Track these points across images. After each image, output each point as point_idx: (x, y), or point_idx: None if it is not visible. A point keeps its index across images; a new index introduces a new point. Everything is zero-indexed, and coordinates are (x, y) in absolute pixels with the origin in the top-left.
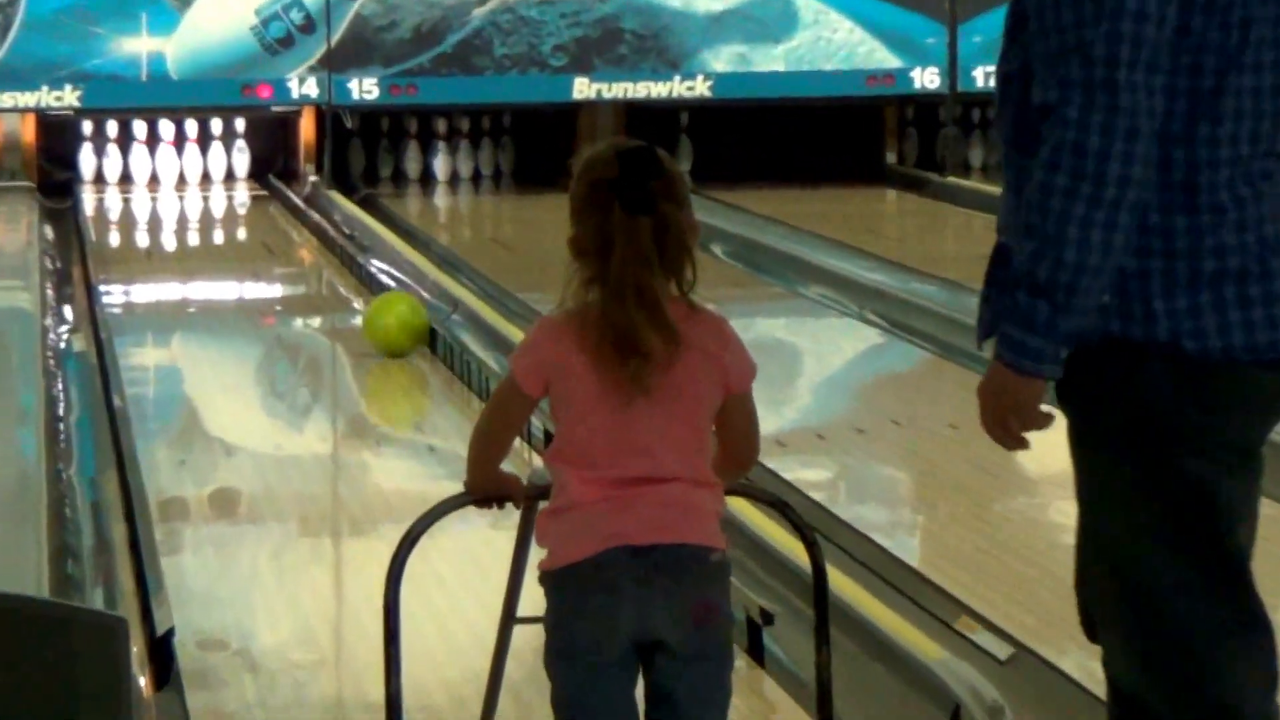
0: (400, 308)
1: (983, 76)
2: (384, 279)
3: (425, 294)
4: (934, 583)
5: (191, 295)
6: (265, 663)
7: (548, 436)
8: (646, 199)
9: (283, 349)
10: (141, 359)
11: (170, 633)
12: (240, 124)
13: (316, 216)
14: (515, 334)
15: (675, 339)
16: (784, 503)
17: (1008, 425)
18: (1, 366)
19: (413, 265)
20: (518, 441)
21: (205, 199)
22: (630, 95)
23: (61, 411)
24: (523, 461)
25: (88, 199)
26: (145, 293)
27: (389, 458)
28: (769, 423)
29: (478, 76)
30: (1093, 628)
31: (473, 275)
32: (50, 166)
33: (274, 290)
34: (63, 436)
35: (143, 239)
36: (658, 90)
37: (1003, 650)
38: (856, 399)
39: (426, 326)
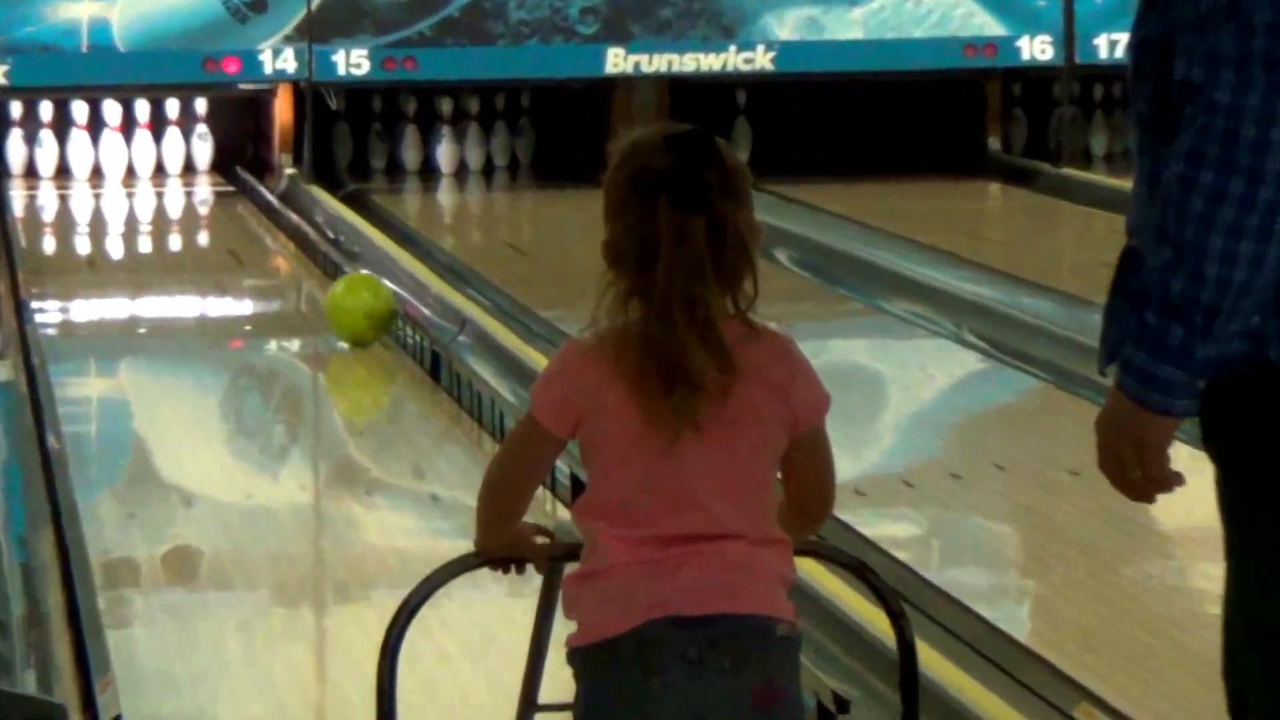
0: (363, 294)
1: (1106, 46)
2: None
3: (426, 310)
4: (1047, 661)
5: (143, 313)
6: None
7: (576, 484)
8: (700, 194)
9: (253, 378)
10: (82, 390)
11: None
12: (201, 105)
13: (294, 217)
14: (536, 360)
15: (732, 366)
16: (864, 564)
17: (1129, 469)
18: None
19: (411, 276)
20: (540, 491)
21: (159, 196)
22: (676, 69)
23: None
24: (546, 515)
25: (17, 197)
26: (87, 310)
27: (382, 510)
28: (846, 466)
29: (489, 47)
30: (1244, 719)
31: (484, 288)
32: None
33: (242, 307)
34: None
35: (83, 245)
36: (709, 63)
37: None
38: (952, 438)
39: (391, 311)
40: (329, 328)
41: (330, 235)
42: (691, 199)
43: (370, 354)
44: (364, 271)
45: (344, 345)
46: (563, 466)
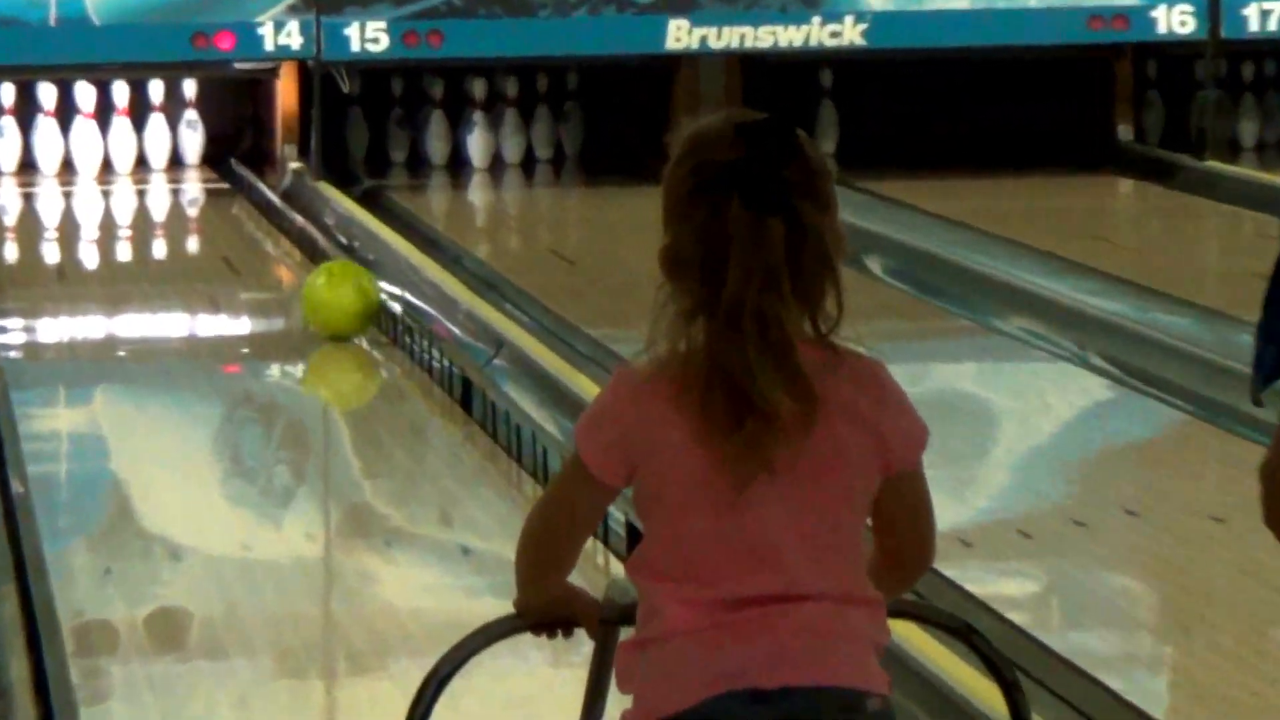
0: (345, 288)
1: (1257, 17)
2: (397, 307)
3: (455, 329)
4: None
5: (121, 332)
6: None
7: (633, 533)
8: (777, 193)
9: (253, 409)
10: (50, 424)
11: None
12: (190, 88)
13: (300, 219)
14: (585, 387)
15: (811, 395)
16: (971, 628)
17: None
18: None
19: (437, 288)
20: (590, 541)
21: (140, 195)
22: (749, 45)
23: None
24: (596, 569)
25: None
26: (56, 329)
27: (404, 564)
28: (949, 512)
29: (530, 19)
30: None
31: (523, 303)
32: None
33: (239, 325)
34: None
35: (52, 252)
36: (788, 37)
37: None
38: (1074, 478)
39: (375, 303)
40: (307, 320)
41: (342, 240)
42: (767, 198)
43: (391, 381)
44: (343, 260)
45: (329, 342)
46: (617, 513)
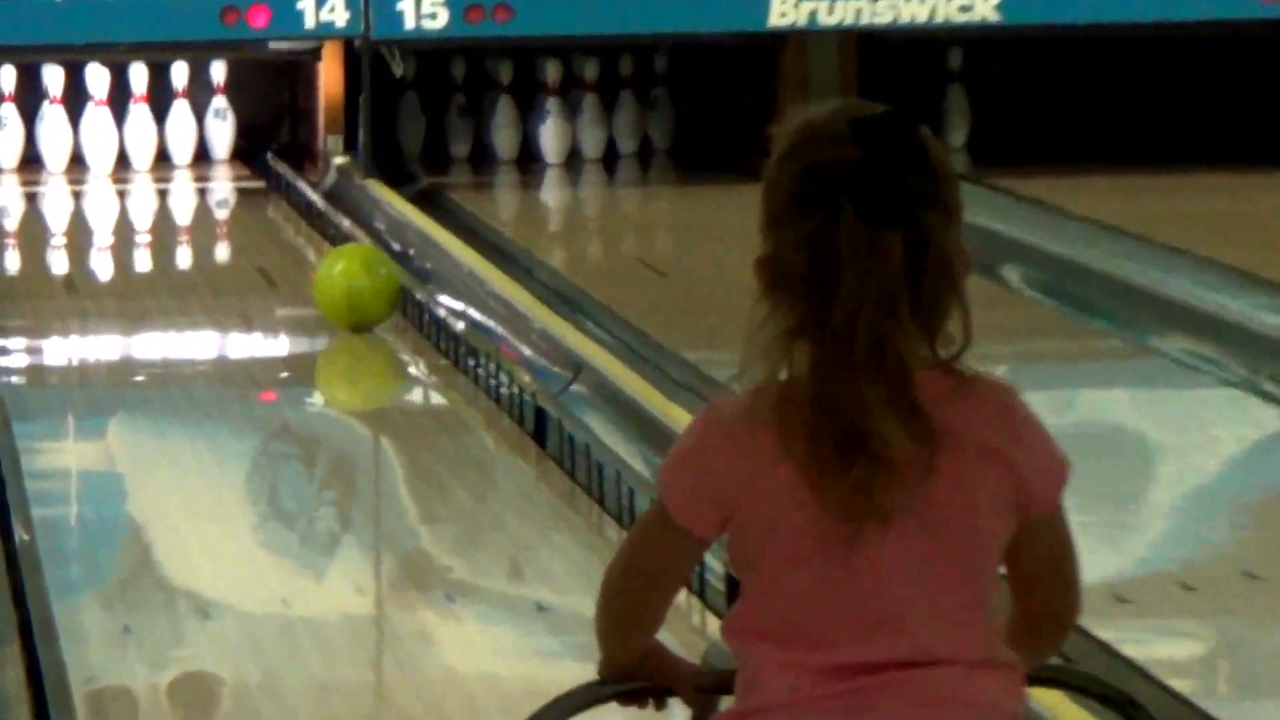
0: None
1: None
2: (459, 325)
3: (527, 350)
4: None
5: (140, 354)
6: None
7: (733, 586)
8: (898, 201)
9: (292, 442)
10: (58, 460)
11: None
12: (219, 72)
13: (345, 223)
14: (677, 418)
15: (932, 431)
16: (1129, 698)
17: None
18: None
19: (505, 302)
20: (683, 596)
21: (161, 195)
22: (866, 21)
23: None
24: (692, 630)
25: None
26: (64, 349)
27: (468, 621)
28: (1099, 562)
29: None
30: None
31: (605, 320)
32: None
33: (276, 345)
34: None
35: (59, 261)
36: (911, 12)
37: None
38: (1244, 523)
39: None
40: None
41: (395, 247)
42: (885, 209)
43: (453, 411)
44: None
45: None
46: (715, 564)
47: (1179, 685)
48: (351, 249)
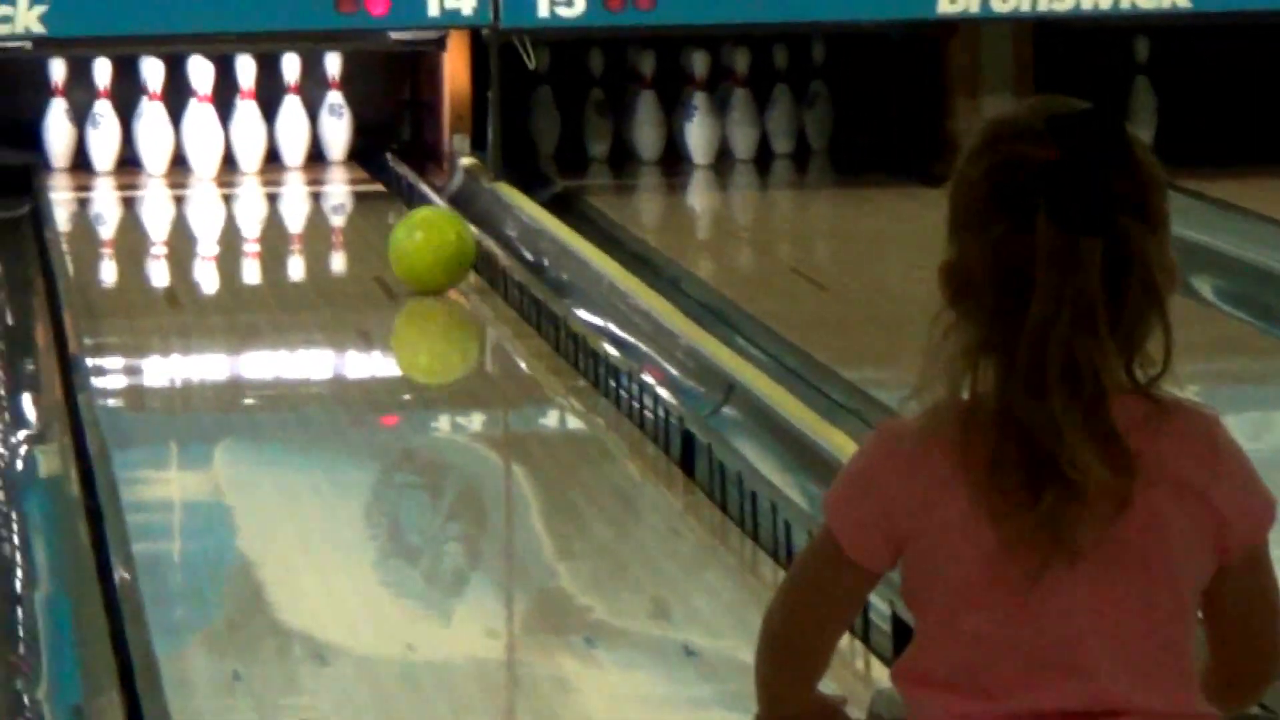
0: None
1: None
2: (599, 343)
3: (673, 369)
4: None
5: (248, 373)
6: None
7: (900, 629)
8: (1098, 208)
9: (415, 471)
10: (160, 491)
11: None
12: (334, 64)
13: (474, 230)
14: (840, 445)
15: (1128, 462)
16: None
17: None
18: None
19: (648, 315)
20: (844, 640)
21: (271, 199)
22: (1043, 8)
23: (19, 588)
24: (855, 676)
25: (61, 201)
26: (165, 371)
27: (610, 666)
28: None
29: None
30: None
31: (759, 336)
32: None
33: (399, 363)
34: (22, 633)
35: (159, 273)
36: (1091, 0)
37: None
38: None
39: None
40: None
41: (527, 256)
42: (1084, 214)
43: (592, 436)
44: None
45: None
46: (880, 604)
47: None
48: (424, 215)
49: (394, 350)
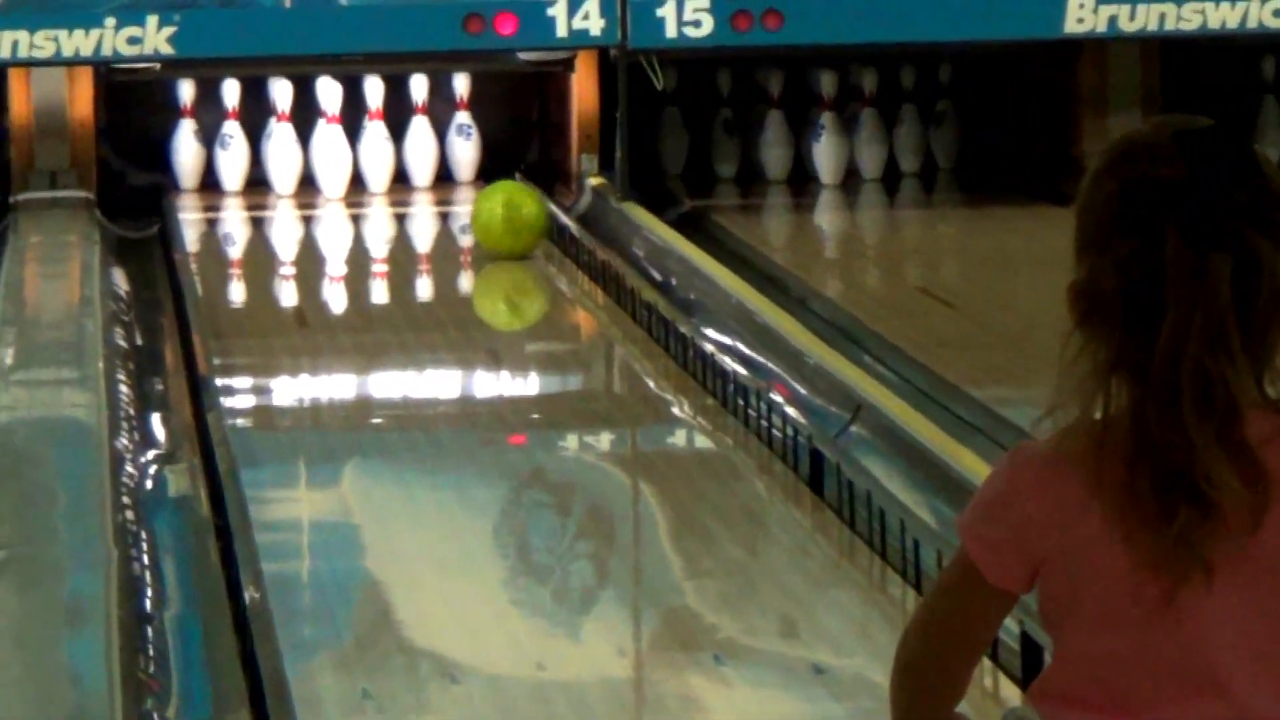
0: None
1: None
2: (727, 362)
3: (801, 388)
4: None
5: (377, 393)
6: None
7: (1028, 646)
8: (1228, 222)
9: (544, 490)
10: (290, 511)
11: None
12: (462, 85)
13: (601, 250)
14: (969, 464)
15: (1263, 478)
16: None
17: None
18: (39, 528)
19: (777, 336)
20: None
21: (399, 220)
22: (1171, 26)
23: (149, 607)
24: (984, 693)
25: (190, 222)
26: (295, 391)
27: (739, 685)
28: None
29: None
30: None
31: (887, 355)
32: (121, 164)
33: (526, 384)
34: (150, 654)
35: (288, 294)
36: (1220, 17)
37: None
38: None
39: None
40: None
41: (655, 275)
42: (1212, 230)
43: (721, 455)
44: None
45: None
46: (1009, 623)
47: None
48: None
49: (524, 371)
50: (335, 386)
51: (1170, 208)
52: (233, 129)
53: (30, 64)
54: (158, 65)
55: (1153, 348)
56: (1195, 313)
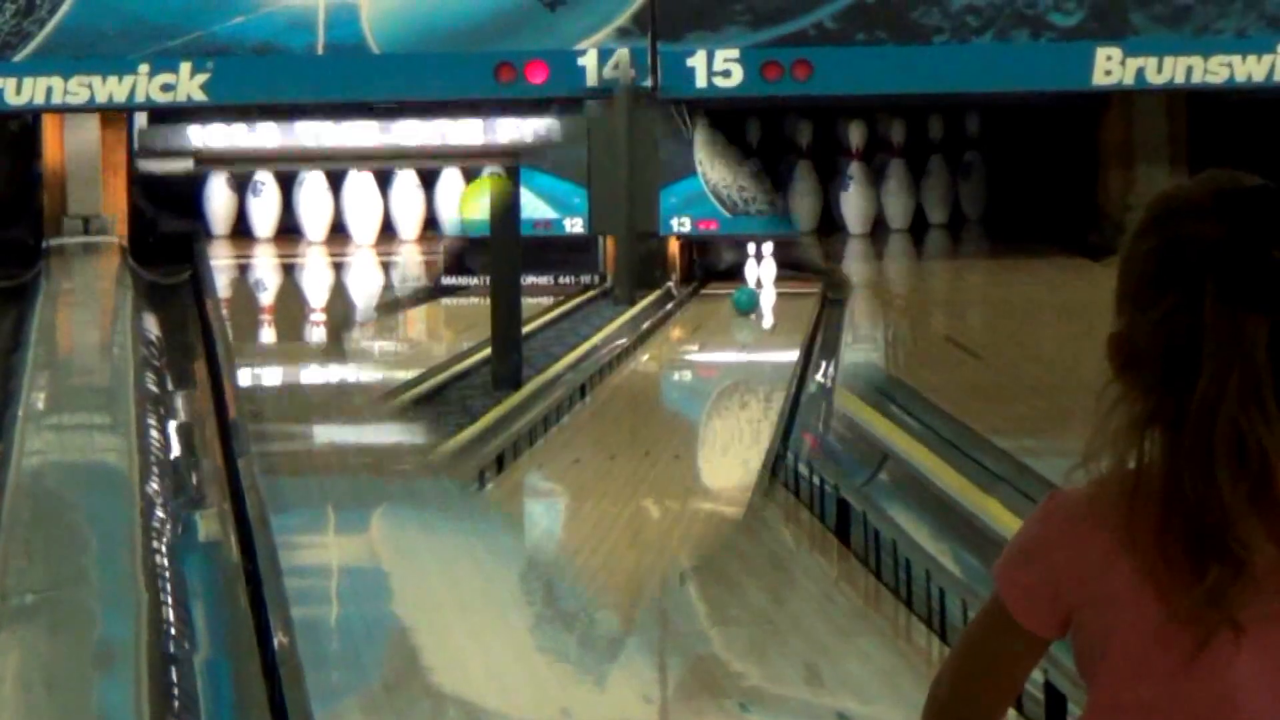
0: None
1: None
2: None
3: (829, 437)
4: None
5: (406, 439)
6: None
7: (1051, 694)
8: (1266, 282)
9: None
10: (318, 555)
11: None
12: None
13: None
14: (995, 514)
15: None
16: None
17: None
18: (70, 572)
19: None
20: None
21: (431, 265)
22: (1198, 79)
23: (177, 650)
24: None
25: (221, 269)
26: (325, 436)
27: None
28: None
29: (921, 47)
30: None
31: (913, 405)
32: (154, 210)
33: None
34: (179, 697)
35: (318, 339)
36: (1247, 70)
37: None
38: None
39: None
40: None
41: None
42: (1251, 288)
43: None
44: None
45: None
46: (1035, 674)
47: None
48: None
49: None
50: (364, 432)
51: (1209, 267)
52: (265, 176)
53: (64, 110)
54: (190, 163)
55: (1188, 404)
56: (1231, 372)
